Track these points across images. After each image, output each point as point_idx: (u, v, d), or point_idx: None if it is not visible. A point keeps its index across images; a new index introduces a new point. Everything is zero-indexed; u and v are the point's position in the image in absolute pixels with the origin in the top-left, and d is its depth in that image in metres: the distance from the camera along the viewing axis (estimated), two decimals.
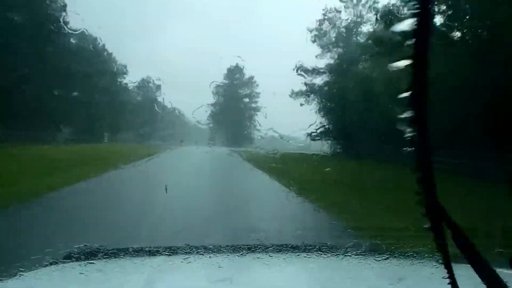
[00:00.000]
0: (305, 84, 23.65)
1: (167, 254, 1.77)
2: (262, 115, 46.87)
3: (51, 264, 1.62)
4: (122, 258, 1.73)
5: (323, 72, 23.07)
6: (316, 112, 22.50)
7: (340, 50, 24.30)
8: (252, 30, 79.24)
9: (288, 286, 1.53)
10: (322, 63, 24.34)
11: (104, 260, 1.68)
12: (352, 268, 1.67)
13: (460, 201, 5.05)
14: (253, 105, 50.03)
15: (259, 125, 43.94)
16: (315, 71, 23.15)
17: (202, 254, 1.76)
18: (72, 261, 1.64)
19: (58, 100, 31.34)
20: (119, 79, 45.23)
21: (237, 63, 47.36)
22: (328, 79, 22.71)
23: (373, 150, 19.32)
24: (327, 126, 21.41)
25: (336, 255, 1.75)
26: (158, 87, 50.18)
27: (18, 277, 1.45)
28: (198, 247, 1.81)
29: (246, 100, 50.72)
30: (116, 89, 44.04)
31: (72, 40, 30.16)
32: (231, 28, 72.77)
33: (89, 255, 1.70)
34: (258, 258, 1.76)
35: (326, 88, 22.44)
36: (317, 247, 1.83)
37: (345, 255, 1.74)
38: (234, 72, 49.31)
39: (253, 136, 49.31)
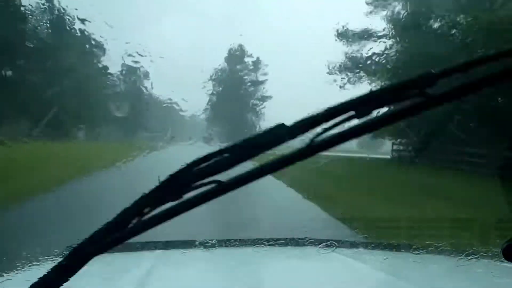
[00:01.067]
0: (348, 57, 16.00)
1: (164, 248, 1.74)
2: (275, 105, 39.13)
3: (47, 259, 1.57)
4: (119, 252, 1.60)
5: (380, 36, 15.39)
6: None
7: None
8: None
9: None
10: (375, 24, 16.54)
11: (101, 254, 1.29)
12: None
13: None
14: (260, 93, 42.05)
15: (263, 119, 36.45)
16: (365, 35, 15.57)
17: (200, 248, 1.70)
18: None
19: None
20: (95, 61, 36.72)
21: (240, 45, 39.60)
22: (389, 46, 14.95)
23: (461, 155, 12.72)
24: None
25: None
26: (146, 74, 42.10)
27: (16, 272, 1.44)
28: (196, 241, 1.72)
29: (251, 88, 42.70)
30: (91, 72, 35.81)
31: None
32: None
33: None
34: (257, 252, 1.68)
35: (384, 59, 14.70)
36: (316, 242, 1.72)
37: None
38: (236, 55, 41.31)
39: (257, 129, 41.57)
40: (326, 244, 1.70)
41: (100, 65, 35.50)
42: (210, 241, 1.75)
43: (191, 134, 40.77)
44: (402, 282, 1.39)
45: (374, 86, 16.01)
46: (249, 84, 42.35)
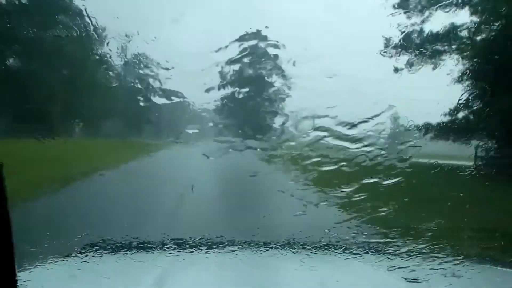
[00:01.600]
0: (406, 32, 11.76)
1: (178, 248, 1.82)
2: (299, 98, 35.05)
3: (64, 257, 1.68)
4: (135, 251, 1.77)
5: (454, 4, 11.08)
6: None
7: None
8: None
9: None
10: None
11: (117, 253, 1.76)
12: None
13: None
14: (279, 85, 37.88)
15: (284, 110, 32.34)
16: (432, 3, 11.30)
17: (216, 249, 1.76)
18: (85, 254, 1.71)
19: None
20: (95, 48, 31.83)
21: (257, 30, 35.40)
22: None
23: None
24: (472, 110, 9.72)
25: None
26: (151, 64, 37.64)
27: (31, 269, 1.49)
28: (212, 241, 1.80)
29: (268, 79, 38.53)
30: (90, 61, 31.47)
31: None
32: None
33: (102, 248, 1.77)
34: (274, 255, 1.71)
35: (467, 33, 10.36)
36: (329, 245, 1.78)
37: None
38: (253, 39, 37.13)
39: (280, 126, 37.48)
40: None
41: (101, 55, 31.48)
42: (230, 242, 1.81)
43: (201, 133, 36.77)
44: None
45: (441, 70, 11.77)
46: (266, 74, 38.17)
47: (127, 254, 1.72)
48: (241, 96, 34.94)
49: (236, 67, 32.65)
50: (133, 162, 15.39)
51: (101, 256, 1.66)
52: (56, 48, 23.63)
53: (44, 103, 22.52)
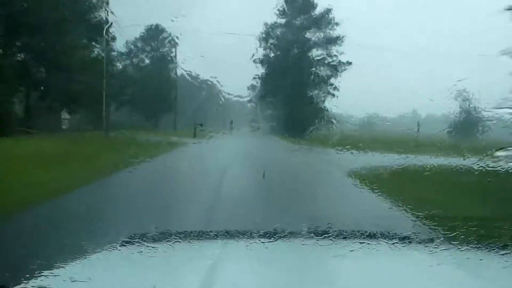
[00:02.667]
0: None
1: (229, 239, 1.83)
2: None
3: (112, 248, 1.69)
4: (184, 242, 1.77)
5: None
6: None
7: None
8: None
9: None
10: None
11: (166, 244, 1.72)
12: None
13: None
14: (330, 60, 30.06)
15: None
16: None
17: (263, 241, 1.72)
18: (134, 244, 1.71)
19: None
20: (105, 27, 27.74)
21: None
22: None
23: None
24: None
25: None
26: (173, 45, 32.74)
27: (81, 260, 1.55)
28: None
29: (318, 51, 30.94)
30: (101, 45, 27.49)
31: None
32: None
33: (151, 238, 1.76)
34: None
35: None
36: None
37: None
38: (297, 4, 29.62)
39: (328, 117, 29.85)
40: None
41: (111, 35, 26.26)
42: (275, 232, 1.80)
43: (234, 123, 30.84)
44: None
45: None
46: (314, 45, 30.55)
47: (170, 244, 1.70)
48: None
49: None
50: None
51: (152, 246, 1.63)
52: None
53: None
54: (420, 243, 1.80)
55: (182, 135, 22.24)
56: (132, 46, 31.51)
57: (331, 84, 29.56)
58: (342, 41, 29.17)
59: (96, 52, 25.99)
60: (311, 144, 17.21)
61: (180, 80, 33.69)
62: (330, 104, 27.63)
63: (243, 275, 1.49)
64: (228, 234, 1.85)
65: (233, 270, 1.53)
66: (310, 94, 29.14)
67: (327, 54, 29.32)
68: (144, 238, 1.75)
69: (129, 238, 1.79)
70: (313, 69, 28.88)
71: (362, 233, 1.84)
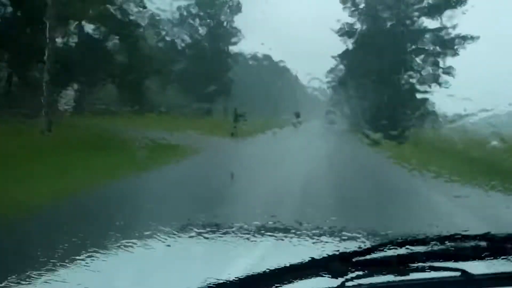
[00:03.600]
0: None
1: (279, 232, 1.81)
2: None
3: (168, 234, 1.73)
4: (232, 233, 1.77)
5: None
6: None
7: None
8: None
9: None
10: None
11: (219, 234, 1.77)
12: None
13: None
14: (442, 33, 21.55)
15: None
16: None
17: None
18: (191, 232, 1.76)
19: None
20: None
21: None
22: None
23: None
24: None
25: None
26: (235, 11, 27.78)
27: (135, 246, 1.60)
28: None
29: (425, 21, 22.61)
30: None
31: None
32: None
33: (205, 227, 1.80)
34: None
35: None
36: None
37: None
38: None
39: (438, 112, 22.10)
40: None
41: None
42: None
43: (306, 111, 25.02)
44: None
45: None
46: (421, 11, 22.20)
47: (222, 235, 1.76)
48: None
49: None
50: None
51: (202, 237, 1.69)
52: None
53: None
54: None
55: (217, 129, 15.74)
56: (184, 12, 25.71)
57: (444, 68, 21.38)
58: (463, 4, 20.59)
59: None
60: (425, 161, 9.99)
61: (242, 58, 27.61)
62: (442, 95, 19.55)
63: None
64: (281, 230, 1.83)
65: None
66: (411, 80, 21.18)
67: (439, 26, 21.11)
68: (199, 227, 1.78)
69: (183, 226, 1.87)
70: (418, 45, 20.84)
71: None
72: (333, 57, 24.22)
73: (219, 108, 24.38)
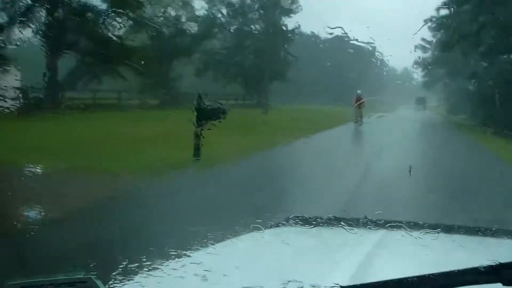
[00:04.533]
0: None
1: (390, 228, 1.78)
2: None
3: (270, 227, 1.80)
4: (338, 227, 1.75)
5: None
6: None
7: None
8: None
9: None
10: None
11: (321, 227, 1.78)
12: None
13: None
14: None
15: None
16: None
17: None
18: (290, 225, 1.80)
19: None
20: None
21: None
22: None
23: None
24: None
25: None
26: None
27: (231, 239, 1.62)
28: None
29: None
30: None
31: None
32: None
33: (307, 221, 1.81)
34: None
35: None
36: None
37: None
38: None
39: None
40: None
41: None
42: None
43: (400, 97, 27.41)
44: None
45: None
46: None
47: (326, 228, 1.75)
48: None
49: None
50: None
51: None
52: None
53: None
54: None
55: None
56: None
57: None
58: None
59: None
60: None
61: (305, 37, 27.43)
62: None
63: (396, 268, 1.41)
64: (389, 223, 1.74)
65: (389, 261, 1.51)
66: None
67: None
68: (301, 221, 1.78)
69: (285, 220, 1.84)
70: None
71: None
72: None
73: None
